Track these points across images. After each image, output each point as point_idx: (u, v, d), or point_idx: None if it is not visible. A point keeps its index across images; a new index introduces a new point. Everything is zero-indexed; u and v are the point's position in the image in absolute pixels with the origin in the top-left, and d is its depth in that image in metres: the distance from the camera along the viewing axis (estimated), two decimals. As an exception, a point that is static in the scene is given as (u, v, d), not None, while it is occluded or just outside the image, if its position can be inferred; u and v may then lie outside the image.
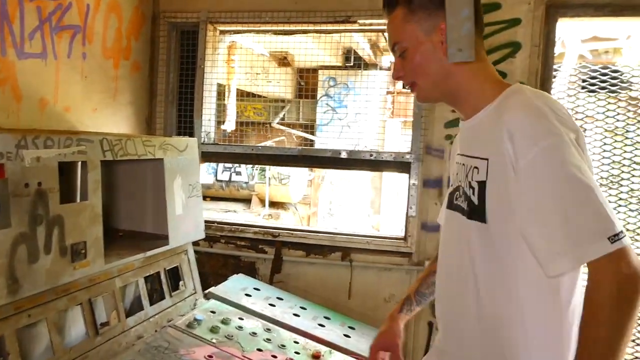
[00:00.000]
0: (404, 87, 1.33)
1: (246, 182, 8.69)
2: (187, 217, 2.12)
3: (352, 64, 8.28)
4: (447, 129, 2.53)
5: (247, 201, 8.80)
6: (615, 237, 0.96)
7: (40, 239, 1.43)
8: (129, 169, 2.10)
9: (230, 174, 8.62)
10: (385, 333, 1.54)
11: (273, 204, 8.73)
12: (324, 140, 7.81)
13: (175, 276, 2.10)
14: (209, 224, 2.71)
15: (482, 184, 1.14)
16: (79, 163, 1.64)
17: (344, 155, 2.71)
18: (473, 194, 1.17)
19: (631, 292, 0.97)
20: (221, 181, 8.64)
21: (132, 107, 2.75)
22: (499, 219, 1.11)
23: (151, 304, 1.90)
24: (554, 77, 2.47)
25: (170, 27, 2.87)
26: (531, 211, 1.04)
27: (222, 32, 2.95)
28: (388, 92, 9.97)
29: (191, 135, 2.79)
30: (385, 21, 1.28)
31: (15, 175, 1.37)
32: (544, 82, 2.38)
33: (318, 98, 9.15)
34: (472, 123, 1.22)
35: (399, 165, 2.66)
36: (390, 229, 7.85)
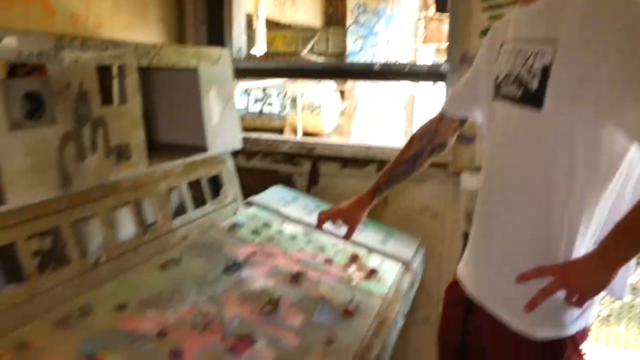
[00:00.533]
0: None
1: (278, 113, 8.69)
2: (224, 127, 2.14)
3: (382, -14, 7.98)
4: (482, 38, 2.43)
5: (279, 132, 8.85)
6: None
7: (86, 137, 1.48)
8: (165, 79, 2.11)
9: (262, 105, 8.62)
10: (345, 209, 1.60)
11: (306, 135, 8.75)
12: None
13: (216, 185, 2.16)
14: (245, 139, 2.73)
15: (546, 69, 1.10)
16: (116, 68, 1.67)
17: (377, 67, 2.66)
18: (533, 78, 1.12)
19: None
20: (253, 113, 8.66)
21: (163, 25, 2.73)
22: (560, 105, 1.08)
23: (195, 208, 1.97)
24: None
25: (197, -59, 2.79)
26: (627, 91, 1.00)
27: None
28: (420, 19, 9.62)
29: (223, 50, 2.77)
30: None
31: (56, 75, 1.40)
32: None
33: (348, 26, 8.90)
34: (538, 5, 1.16)
35: (435, 75, 2.60)
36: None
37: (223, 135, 2.14)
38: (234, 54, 2.83)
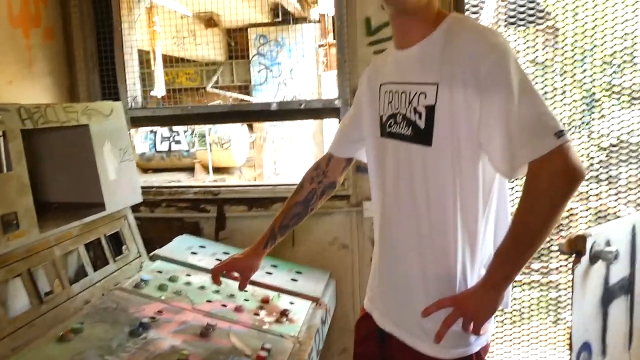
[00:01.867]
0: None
1: (187, 151, 8.55)
2: (122, 182, 2.10)
3: (280, 19, 8.17)
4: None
5: (190, 170, 8.70)
6: (560, 134, 1.08)
7: (-34, 213, 1.40)
8: (54, 139, 2.04)
9: (170, 144, 8.46)
10: (240, 260, 1.63)
11: (217, 170, 8.67)
12: (261, 100, 7.75)
13: (117, 242, 2.10)
14: (147, 189, 2.69)
15: (430, 109, 1.22)
16: (0, 134, 1.60)
17: (274, 107, 2.73)
18: (419, 118, 1.25)
19: (567, 184, 1.10)
20: (161, 152, 8.47)
21: (51, 77, 2.65)
22: (445, 140, 1.22)
23: (96, 269, 1.91)
24: (469, 10, 2.55)
25: (80, -11, 2.74)
26: (492, 117, 1.14)
27: (137, -8, 2.85)
28: (321, 46, 9.92)
29: (117, 101, 2.72)
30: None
31: None
32: (458, 12, 2.46)
33: (251, 58, 9.00)
34: (415, 50, 1.28)
35: (329, 111, 2.71)
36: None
37: (121, 191, 2.10)
38: (129, 103, 2.79)
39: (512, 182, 2.40)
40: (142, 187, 2.35)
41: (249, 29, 8.82)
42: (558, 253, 2.61)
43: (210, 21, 8.62)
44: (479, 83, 1.15)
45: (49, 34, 2.63)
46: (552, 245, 2.65)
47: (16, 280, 1.58)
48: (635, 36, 2.50)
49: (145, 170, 8.42)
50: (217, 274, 1.63)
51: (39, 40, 2.56)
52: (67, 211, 1.96)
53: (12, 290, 1.57)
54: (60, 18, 2.72)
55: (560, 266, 2.71)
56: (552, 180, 1.09)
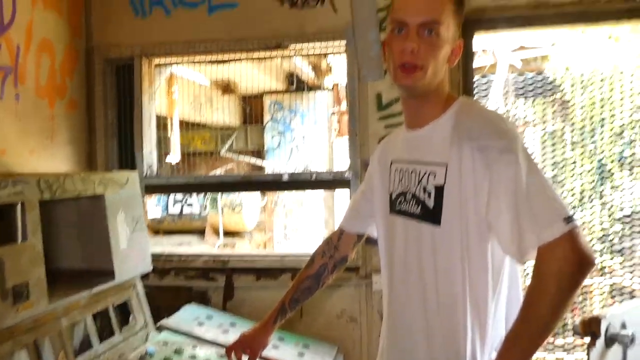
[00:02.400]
0: (404, 66, 1.14)
1: (198, 214, 8.60)
2: (133, 251, 2.12)
3: (294, 87, 8.43)
4: (382, 145, 2.64)
5: (201, 233, 8.69)
6: (569, 219, 1.09)
7: (-21, 283, 1.42)
8: (70, 208, 2.09)
9: (182, 206, 8.51)
10: (250, 336, 1.61)
11: (228, 233, 8.66)
12: (273, 165, 7.89)
13: (125, 311, 2.10)
14: (157, 256, 2.70)
15: (439, 189, 1.24)
16: (18, 204, 1.64)
17: (285, 178, 2.78)
18: (429, 197, 1.27)
19: (576, 271, 1.09)
20: (173, 215, 8.52)
21: (71, 147, 2.74)
22: (453, 220, 1.23)
23: (101, 340, 1.89)
24: (477, 87, 2.64)
25: (105, 63, 2.88)
26: (501, 200, 1.15)
27: (158, 65, 2.99)
28: (333, 113, 10.15)
29: (133, 168, 2.79)
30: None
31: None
32: (466, 93, 2.54)
33: (265, 123, 9.22)
34: (425, 131, 1.32)
35: (340, 182, 2.75)
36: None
37: (132, 260, 2.11)
38: (145, 171, 2.86)
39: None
40: (152, 255, 2.37)
41: (264, 96, 9.09)
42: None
43: (227, 88, 8.93)
44: (487, 167, 1.17)
45: (72, 105, 2.74)
46: (567, 323, 2.59)
47: (22, 353, 1.57)
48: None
49: (156, 232, 8.46)
50: (230, 353, 1.60)
51: (63, 111, 2.67)
52: (77, 279, 1.98)
53: (16, 362, 1.56)
54: (84, 89, 2.84)
55: (576, 345, 2.64)
56: (560, 266, 1.09)
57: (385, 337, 1.45)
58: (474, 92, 2.60)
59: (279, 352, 2.18)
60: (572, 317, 2.55)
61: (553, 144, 2.70)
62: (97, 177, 2.03)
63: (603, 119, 2.65)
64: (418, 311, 1.31)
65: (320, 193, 9.20)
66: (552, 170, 2.66)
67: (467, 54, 2.54)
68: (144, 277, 2.31)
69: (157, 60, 2.94)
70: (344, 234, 1.69)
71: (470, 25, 2.55)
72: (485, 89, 2.76)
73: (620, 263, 2.62)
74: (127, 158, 2.89)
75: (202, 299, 2.68)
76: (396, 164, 1.41)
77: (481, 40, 3.17)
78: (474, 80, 2.60)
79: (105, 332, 1.95)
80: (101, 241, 2.02)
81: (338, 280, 2.67)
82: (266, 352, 2.13)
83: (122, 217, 2.09)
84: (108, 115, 2.88)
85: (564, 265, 1.09)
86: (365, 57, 1.23)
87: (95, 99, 2.86)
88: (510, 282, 1.29)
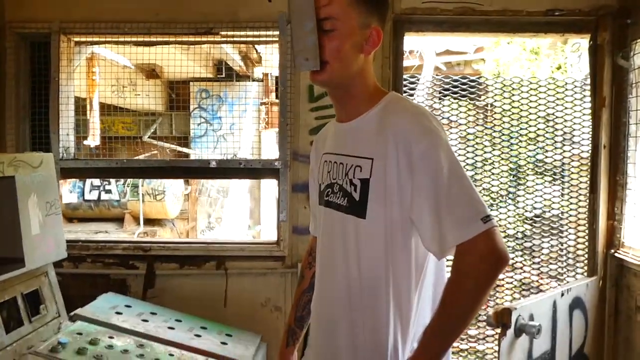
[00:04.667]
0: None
1: (117, 200, 8.24)
2: (46, 237, 2.00)
3: (223, 75, 8.27)
4: (312, 135, 2.65)
5: (119, 220, 8.34)
6: (486, 219, 1.14)
7: None
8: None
9: (99, 193, 8.12)
10: None
11: (148, 222, 8.37)
12: (199, 153, 7.71)
13: (35, 300, 1.97)
14: (72, 243, 2.57)
15: (365, 182, 1.26)
16: None
17: (213, 164, 2.72)
18: (355, 190, 1.29)
19: (492, 268, 1.15)
20: (89, 201, 8.11)
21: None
22: (378, 214, 1.25)
23: (8, 331, 1.77)
24: (405, 86, 2.71)
25: (19, 39, 2.69)
26: (422, 198, 1.19)
27: (78, 44, 2.82)
28: (262, 104, 10.08)
29: (48, 151, 2.62)
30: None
31: None
32: (396, 90, 2.60)
33: (191, 110, 8.98)
34: (353, 125, 1.34)
35: (269, 172, 2.74)
36: (269, 236, 7.93)
37: (44, 246, 1.99)
38: (61, 153, 2.70)
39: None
40: (67, 241, 2.25)
41: (191, 83, 8.85)
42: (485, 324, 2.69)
43: (152, 72, 8.60)
44: (411, 164, 1.20)
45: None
46: (480, 315, 2.73)
47: None
48: (557, 118, 2.74)
49: (70, 219, 8.02)
50: None
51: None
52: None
53: None
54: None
55: (487, 336, 2.80)
56: (477, 263, 1.15)
57: (311, 326, 1.46)
58: (403, 90, 2.67)
59: (201, 341, 2.14)
60: (484, 309, 2.70)
61: (475, 144, 2.84)
62: (7, 158, 1.90)
63: (521, 124, 2.81)
64: (342, 303, 1.33)
65: (246, 183, 9.12)
66: (472, 170, 2.80)
67: (397, 53, 2.61)
68: (57, 264, 2.19)
69: (77, 38, 2.78)
70: (315, 240, 1.68)
71: (400, 25, 2.62)
72: (413, 88, 2.84)
73: (530, 260, 2.81)
74: (42, 141, 2.72)
75: (121, 287, 2.59)
76: (326, 156, 1.43)
77: (410, 42, 3.29)
78: (404, 78, 2.67)
79: (12, 322, 1.83)
80: (10, 226, 1.89)
81: (263, 268, 2.68)
82: (188, 342, 2.11)
83: (35, 201, 1.97)
84: (20, 93, 2.69)
85: (480, 263, 1.15)
86: (302, 46, 1.22)
87: (6, 77, 2.66)
88: (436, 277, 1.34)
